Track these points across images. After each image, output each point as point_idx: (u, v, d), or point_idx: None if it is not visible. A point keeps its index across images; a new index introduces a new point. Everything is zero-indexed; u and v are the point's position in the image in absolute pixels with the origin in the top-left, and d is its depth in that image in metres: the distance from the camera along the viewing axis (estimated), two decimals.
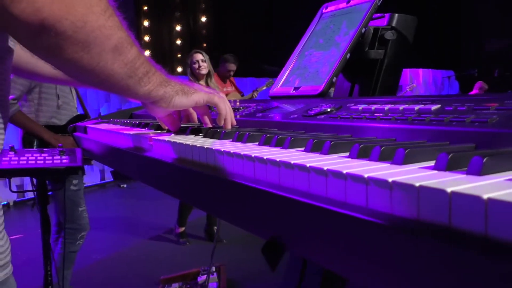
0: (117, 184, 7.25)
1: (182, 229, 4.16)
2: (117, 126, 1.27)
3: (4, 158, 1.39)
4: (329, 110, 0.84)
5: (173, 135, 0.94)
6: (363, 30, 1.07)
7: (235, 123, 0.94)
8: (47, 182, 1.85)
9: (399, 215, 0.38)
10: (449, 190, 0.33)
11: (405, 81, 9.41)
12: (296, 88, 1.13)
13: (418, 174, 0.40)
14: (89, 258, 3.81)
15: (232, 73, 5.02)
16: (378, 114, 0.72)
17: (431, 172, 0.42)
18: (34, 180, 1.89)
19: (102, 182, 7.30)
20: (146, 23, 10.14)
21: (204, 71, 4.04)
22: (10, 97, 2.27)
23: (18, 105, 2.42)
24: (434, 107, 0.67)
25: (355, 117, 0.75)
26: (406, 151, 0.46)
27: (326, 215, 0.44)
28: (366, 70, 1.15)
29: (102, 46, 0.62)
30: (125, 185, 7.17)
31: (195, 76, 4.05)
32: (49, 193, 2.59)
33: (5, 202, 5.89)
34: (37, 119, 2.52)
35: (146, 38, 10.30)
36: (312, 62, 1.14)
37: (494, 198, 0.30)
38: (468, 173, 0.39)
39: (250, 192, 0.56)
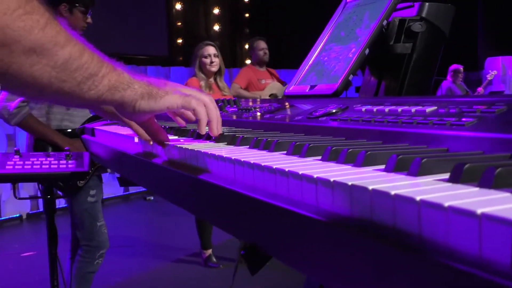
0: (143, 197, 7.56)
1: (209, 252, 4.27)
2: (127, 129, 1.43)
3: (8, 162, 1.59)
4: (334, 111, 0.96)
5: (182, 139, 1.08)
6: (385, 22, 1.18)
7: (220, 130, 0.97)
8: (58, 191, 2.05)
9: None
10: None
11: (495, 68, 9.26)
12: (312, 87, 1.25)
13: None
14: (108, 280, 4.02)
15: (266, 52, 5.16)
16: (375, 117, 0.83)
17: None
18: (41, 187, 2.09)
19: (125, 193, 7.62)
20: (178, 6, 10.46)
21: (215, 68, 4.11)
22: (19, 99, 2.51)
23: (28, 107, 2.61)
24: (429, 109, 0.78)
25: (353, 119, 0.86)
26: (349, 151, 0.58)
27: (288, 216, 0.57)
28: (392, 66, 1.25)
29: (9, 48, 0.67)
30: (152, 198, 7.47)
31: (204, 72, 4.11)
32: (65, 204, 2.81)
33: (18, 215, 6.30)
34: (48, 123, 2.71)
35: (179, 23, 10.63)
36: (331, 58, 1.26)
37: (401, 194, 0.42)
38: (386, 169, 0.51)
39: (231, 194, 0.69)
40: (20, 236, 5.88)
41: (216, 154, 0.77)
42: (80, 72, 0.76)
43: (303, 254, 0.58)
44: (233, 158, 0.72)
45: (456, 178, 0.47)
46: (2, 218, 6.12)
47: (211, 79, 4.16)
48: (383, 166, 0.57)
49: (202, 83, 4.09)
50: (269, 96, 4.93)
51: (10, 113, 2.52)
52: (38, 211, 6.43)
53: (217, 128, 0.95)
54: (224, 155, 0.75)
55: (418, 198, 0.41)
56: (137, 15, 9.67)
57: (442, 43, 1.28)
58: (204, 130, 0.95)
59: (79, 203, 2.68)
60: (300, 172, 0.57)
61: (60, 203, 5.38)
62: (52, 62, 0.72)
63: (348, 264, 0.49)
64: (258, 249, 0.72)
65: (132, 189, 7.68)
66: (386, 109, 0.85)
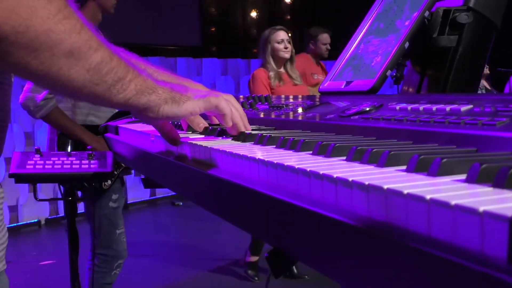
0: (171, 201, 7.72)
1: (255, 259, 4.34)
2: (151, 127, 1.52)
3: (29, 162, 1.70)
4: (367, 109, 1.02)
5: (201, 136, 1.16)
6: (427, 13, 1.23)
7: (249, 127, 1.08)
8: (79, 193, 2.15)
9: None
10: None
11: None
12: (348, 83, 1.31)
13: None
14: None
15: (328, 47, 5.24)
16: (408, 116, 0.89)
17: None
18: (62, 188, 2.20)
19: (152, 198, 7.81)
20: None
21: (289, 54, 4.25)
22: (46, 90, 2.60)
23: (55, 100, 2.69)
24: (464, 108, 0.83)
25: (385, 118, 0.92)
26: (356, 148, 0.64)
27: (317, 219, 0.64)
28: (436, 60, 1.30)
29: (51, 51, 0.77)
30: (181, 203, 7.63)
31: (276, 60, 4.22)
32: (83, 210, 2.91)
33: (36, 220, 6.53)
34: (74, 118, 2.79)
35: (212, 10, 10.77)
36: (369, 52, 1.31)
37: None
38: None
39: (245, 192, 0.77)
40: (39, 243, 6.10)
41: (241, 153, 0.84)
42: (111, 76, 0.87)
43: (324, 255, 0.65)
44: (257, 158, 0.79)
45: (472, 178, 0.53)
46: (20, 223, 6.36)
47: (282, 69, 4.25)
48: (406, 167, 0.63)
49: (272, 74, 4.18)
50: None
51: (37, 105, 2.60)
52: (57, 216, 6.65)
53: (245, 125, 1.07)
54: (249, 155, 0.82)
55: (428, 197, 0.47)
56: (165, 1, 9.84)
57: (492, 35, 1.32)
58: (230, 123, 1.05)
59: (100, 207, 2.76)
60: (321, 172, 0.64)
61: (80, 208, 5.56)
62: (87, 64, 0.83)
63: (366, 266, 0.56)
64: (282, 252, 0.79)
65: (159, 193, 7.86)
66: (421, 108, 0.91)
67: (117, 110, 2.95)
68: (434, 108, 0.88)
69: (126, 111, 2.97)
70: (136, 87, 0.92)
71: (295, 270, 4.28)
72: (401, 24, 1.27)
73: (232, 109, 1.05)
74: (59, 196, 2.20)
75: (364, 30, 1.42)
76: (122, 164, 2.49)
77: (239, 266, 4.58)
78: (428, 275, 0.46)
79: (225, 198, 0.91)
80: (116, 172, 2.41)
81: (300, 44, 6.26)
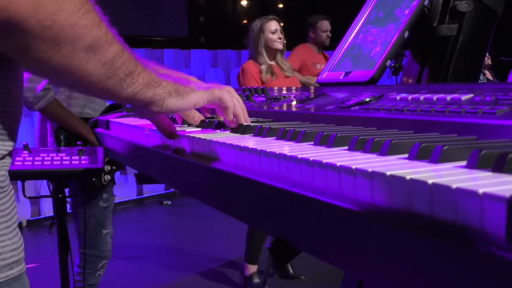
0: (159, 201, 7.76)
1: (253, 268, 4.25)
2: (144, 120, 1.56)
3: (17, 158, 1.74)
4: (367, 100, 1.07)
5: (201, 131, 1.20)
6: (427, 1, 1.28)
7: (248, 120, 1.13)
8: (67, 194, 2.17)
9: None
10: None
11: None
12: (346, 74, 1.36)
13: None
14: None
15: (329, 35, 5.29)
16: (409, 106, 0.94)
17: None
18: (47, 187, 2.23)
19: (139, 197, 7.83)
20: None
21: (282, 45, 4.25)
22: (45, 81, 2.60)
23: (53, 91, 2.68)
24: (465, 97, 0.88)
25: (386, 108, 0.97)
26: (359, 139, 0.69)
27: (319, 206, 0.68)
28: (436, 50, 1.35)
29: (73, 45, 0.81)
30: (170, 202, 7.66)
31: (269, 51, 4.22)
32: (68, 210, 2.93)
33: (17, 222, 6.53)
34: (70, 109, 2.80)
35: None
36: (368, 42, 1.36)
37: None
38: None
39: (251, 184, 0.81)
40: None
41: (242, 145, 0.89)
42: (122, 69, 0.91)
43: (326, 242, 0.70)
44: (258, 149, 0.84)
45: (472, 164, 0.57)
46: None
47: (273, 62, 4.25)
48: (407, 155, 0.68)
49: (264, 67, 4.17)
50: None
51: (36, 95, 2.60)
52: (40, 217, 6.66)
53: (245, 117, 1.11)
54: (250, 146, 0.86)
55: (430, 181, 0.52)
56: None
57: (493, 23, 1.37)
58: (231, 116, 1.10)
59: (89, 205, 2.79)
60: (324, 161, 0.69)
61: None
62: (104, 58, 0.87)
63: (370, 251, 0.60)
64: (284, 243, 0.84)
65: (147, 192, 7.89)
66: (421, 98, 0.96)
67: (108, 104, 2.99)
68: (434, 97, 0.93)
69: (118, 105, 3.02)
70: (144, 80, 0.96)
71: (291, 270, 4.33)
72: (400, 13, 1.32)
73: (234, 101, 1.09)
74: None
75: (362, 20, 1.47)
76: (116, 161, 2.52)
77: (232, 268, 4.62)
78: (434, 256, 0.51)
79: (227, 191, 0.95)
80: (114, 167, 2.44)
81: (292, 34, 6.30)
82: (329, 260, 0.74)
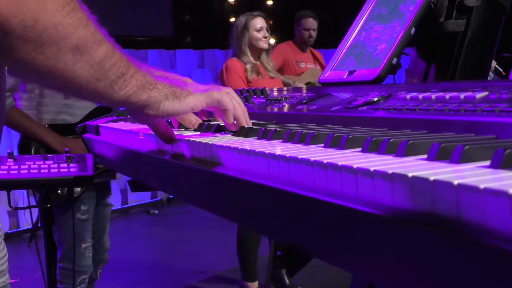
0: (146, 210, 7.74)
1: (255, 286, 4.12)
2: (137, 125, 1.57)
3: (2, 167, 1.74)
4: (375, 100, 1.08)
5: (200, 135, 1.21)
6: None
7: (250, 122, 1.14)
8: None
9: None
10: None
11: None
12: (350, 73, 1.37)
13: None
14: None
15: (313, 34, 5.28)
16: (421, 105, 0.95)
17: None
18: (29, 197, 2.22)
19: (124, 206, 7.81)
20: None
21: (267, 44, 4.18)
22: None
23: (12, 98, 2.68)
24: (479, 95, 0.89)
25: (396, 108, 0.98)
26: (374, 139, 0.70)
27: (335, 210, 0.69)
28: (443, 46, 1.37)
29: (58, 45, 0.81)
30: (156, 211, 7.65)
31: (253, 50, 4.15)
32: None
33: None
34: (41, 117, 2.80)
35: None
36: (371, 39, 1.38)
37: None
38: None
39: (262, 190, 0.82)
40: None
41: (248, 149, 0.90)
42: (113, 71, 0.91)
43: (344, 248, 0.71)
44: (266, 152, 0.85)
45: (497, 163, 0.59)
46: None
47: (257, 61, 4.18)
48: (425, 156, 0.69)
49: (249, 66, 4.09)
50: (305, 84, 4.99)
51: None
52: (18, 229, 6.63)
53: (246, 120, 1.12)
54: (257, 150, 0.87)
55: (456, 182, 0.53)
56: None
57: (501, 18, 1.39)
58: (232, 119, 1.10)
59: (66, 216, 2.74)
60: (340, 164, 0.70)
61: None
62: (91, 60, 0.87)
63: (392, 256, 0.62)
64: (296, 250, 0.85)
65: (132, 201, 7.87)
66: (433, 96, 0.97)
67: (95, 106, 2.98)
68: (447, 96, 0.94)
69: (106, 108, 3.02)
70: (137, 82, 0.97)
71: (287, 281, 4.33)
72: (405, 8, 1.34)
73: (234, 103, 1.10)
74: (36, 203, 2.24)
75: (365, 16, 1.49)
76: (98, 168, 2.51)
77: (224, 280, 4.61)
78: (460, 259, 0.52)
79: (233, 197, 0.96)
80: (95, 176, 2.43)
81: (282, 34, 6.34)
82: (345, 266, 0.75)
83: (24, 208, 2.12)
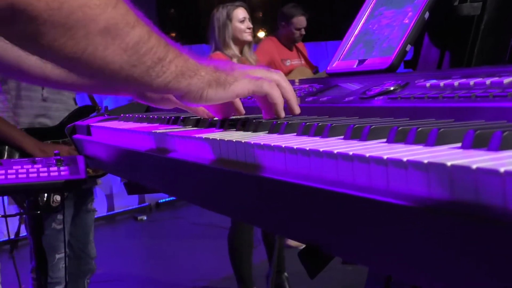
0: (133, 216, 7.71)
1: None
2: (132, 123, 1.56)
3: None
4: (392, 89, 1.08)
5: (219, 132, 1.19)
6: None
7: (299, 110, 1.14)
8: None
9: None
10: None
11: None
12: (360, 62, 1.37)
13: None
14: None
15: (303, 32, 5.27)
16: (443, 92, 0.95)
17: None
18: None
19: (110, 213, 7.77)
20: None
21: (251, 36, 4.17)
22: None
23: None
24: (507, 80, 0.89)
25: (417, 96, 0.98)
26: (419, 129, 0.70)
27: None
28: (458, 31, 1.36)
29: (86, 28, 0.80)
30: (145, 217, 7.62)
31: (237, 42, 4.11)
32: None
33: None
34: (18, 120, 2.78)
35: None
36: (382, 26, 1.37)
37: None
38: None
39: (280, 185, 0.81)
40: None
41: (262, 143, 0.89)
42: (149, 56, 0.90)
43: (372, 246, 0.70)
44: (283, 146, 0.84)
45: None
46: None
47: (241, 54, 4.15)
48: (459, 144, 0.68)
49: (235, 61, 4.01)
50: None
51: None
52: None
53: (297, 107, 1.13)
54: (272, 144, 0.87)
55: (502, 169, 0.53)
56: None
57: None
58: (283, 113, 1.11)
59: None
60: (368, 155, 0.69)
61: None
62: (124, 44, 0.86)
63: (432, 249, 0.61)
64: (317, 249, 0.84)
65: (118, 208, 7.83)
66: (455, 83, 0.97)
67: (76, 108, 2.94)
68: (471, 82, 0.94)
69: (90, 108, 2.99)
70: (177, 68, 0.95)
71: (287, 287, 4.34)
72: None
73: (284, 93, 1.10)
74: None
75: (373, 2, 1.48)
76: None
77: None
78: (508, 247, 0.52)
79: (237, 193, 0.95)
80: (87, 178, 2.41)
81: (272, 27, 6.30)
82: (373, 264, 0.75)
83: (15, 215, 2.10)
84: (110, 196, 7.69)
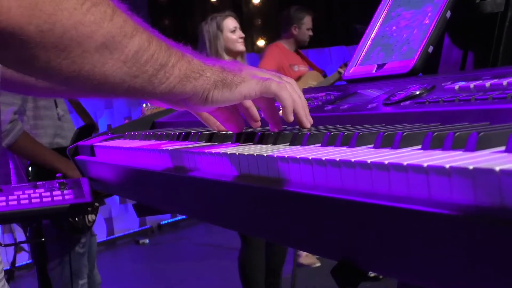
0: (134, 240, 7.69)
1: None
2: (139, 141, 1.56)
3: None
4: (418, 93, 1.08)
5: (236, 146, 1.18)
6: None
7: (311, 120, 1.11)
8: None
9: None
10: None
11: None
12: (379, 66, 1.37)
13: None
14: None
15: (311, 33, 5.31)
16: (475, 94, 0.95)
17: None
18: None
19: (110, 237, 7.76)
20: None
21: (243, 46, 4.18)
22: (11, 108, 2.56)
23: (20, 122, 2.64)
24: None
25: (446, 100, 0.98)
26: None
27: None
28: (482, 30, 1.37)
29: (82, 47, 0.80)
30: (147, 241, 7.60)
31: (230, 53, 4.12)
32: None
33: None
34: (38, 141, 2.76)
35: None
36: (401, 27, 1.38)
37: None
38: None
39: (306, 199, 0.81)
40: None
41: (286, 156, 0.89)
42: (151, 64, 0.90)
43: (414, 261, 0.70)
44: (310, 158, 0.84)
45: None
46: None
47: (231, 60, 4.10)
48: (503, 148, 0.68)
49: None
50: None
51: (5, 129, 2.53)
52: None
53: (307, 117, 1.10)
54: (298, 156, 0.87)
55: None
56: None
57: None
58: (291, 117, 1.08)
59: (63, 251, 2.70)
60: (405, 163, 0.69)
61: (22, 259, 5.45)
62: (123, 55, 0.86)
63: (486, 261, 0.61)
64: (351, 265, 0.84)
65: (118, 231, 7.82)
66: (487, 84, 0.97)
67: (80, 126, 2.95)
68: (504, 82, 0.94)
69: (90, 127, 2.99)
70: (181, 72, 0.95)
71: None
72: None
73: (294, 97, 1.07)
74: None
75: (389, 3, 1.49)
76: (100, 193, 2.48)
77: None
78: None
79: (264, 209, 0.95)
80: (97, 204, 2.41)
81: (271, 33, 6.33)
82: (411, 277, 0.74)
83: (13, 244, 2.10)
84: (109, 219, 7.68)
